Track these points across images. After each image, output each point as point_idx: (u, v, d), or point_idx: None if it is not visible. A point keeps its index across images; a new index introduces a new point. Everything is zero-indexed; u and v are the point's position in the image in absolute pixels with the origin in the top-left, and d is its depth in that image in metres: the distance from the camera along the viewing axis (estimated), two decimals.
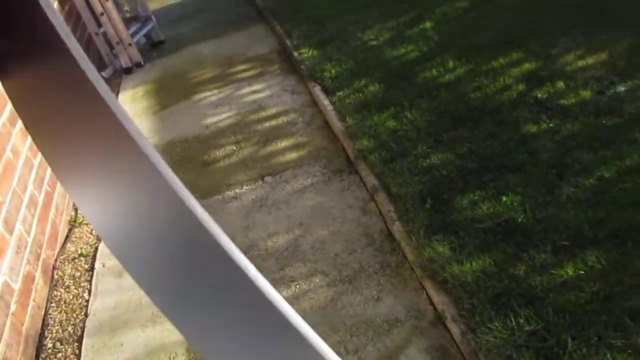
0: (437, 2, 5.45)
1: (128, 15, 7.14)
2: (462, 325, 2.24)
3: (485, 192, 2.84)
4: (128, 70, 6.37)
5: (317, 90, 4.41)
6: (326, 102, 4.19)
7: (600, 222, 2.50)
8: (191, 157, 4.22)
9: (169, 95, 5.45)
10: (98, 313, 2.98)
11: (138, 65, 6.43)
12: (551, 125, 3.23)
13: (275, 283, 2.75)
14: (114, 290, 3.11)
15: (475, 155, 3.11)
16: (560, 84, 3.59)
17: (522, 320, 2.15)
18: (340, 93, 4.20)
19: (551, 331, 2.10)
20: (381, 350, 2.32)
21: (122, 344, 2.74)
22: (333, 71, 4.57)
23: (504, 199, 2.76)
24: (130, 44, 6.30)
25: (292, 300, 2.67)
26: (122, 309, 2.96)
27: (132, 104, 5.49)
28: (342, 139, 3.73)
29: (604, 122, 3.15)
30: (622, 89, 3.43)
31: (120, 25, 6.18)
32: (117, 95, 5.91)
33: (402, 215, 2.85)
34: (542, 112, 3.36)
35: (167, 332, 2.71)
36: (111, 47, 6.45)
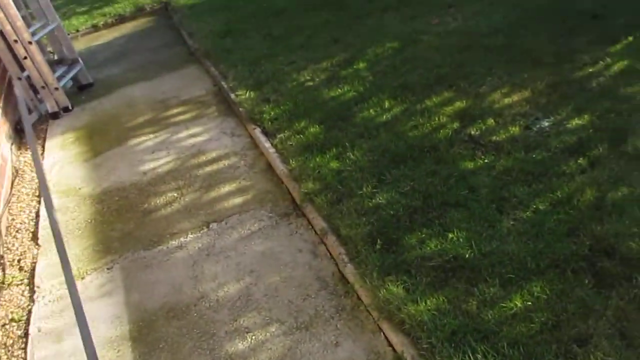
0: (367, 44, 5.65)
1: (54, 57, 6.92)
2: None
3: (432, 230, 2.93)
4: (55, 115, 6.14)
5: (257, 132, 4.43)
6: (267, 144, 4.21)
7: (541, 253, 2.64)
8: (130, 205, 4.09)
9: (101, 140, 5.28)
10: None
11: (66, 109, 6.21)
12: (486, 161, 3.40)
13: (230, 335, 2.70)
14: (53, 356, 2.93)
15: (419, 193, 3.21)
16: (491, 121, 3.80)
17: (479, 356, 2.22)
18: (281, 135, 4.23)
19: None
20: None
21: None
22: (272, 113, 4.61)
23: (450, 235, 2.86)
24: (56, 88, 6.09)
25: (249, 353, 2.62)
26: None
27: (62, 151, 5.28)
28: (287, 182, 3.74)
29: (533, 156, 3.35)
30: (547, 124, 3.68)
31: (46, 68, 5.96)
32: (44, 142, 5.67)
33: (353, 257, 2.88)
34: (477, 149, 3.53)
35: None
36: (35, 92, 6.20)
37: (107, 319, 3.07)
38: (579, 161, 3.23)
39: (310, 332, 2.65)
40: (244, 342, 2.68)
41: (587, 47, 4.52)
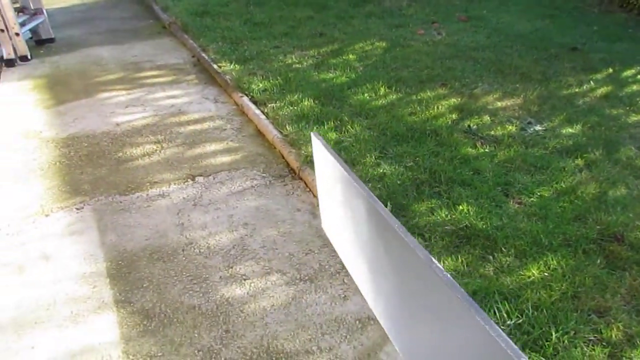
0: (354, 40, 5.66)
1: (14, 5, 6.41)
2: None
3: (441, 201, 2.88)
4: (10, 63, 5.65)
5: (245, 100, 4.25)
6: (258, 111, 4.05)
7: (552, 232, 2.64)
8: (102, 152, 3.77)
9: (65, 91, 4.90)
10: None
11: (23, 59, 5.75)
12: (487, 150, 3.42)
13: (225, 281, 2.49)
14: (15, 287, 2.58)
15: (424, 169, 3.16)
16: (487, 118, 3.85)
17: (504, 315, 2.15)
18: (273, 104, 4.09)
19: (534, 325, 2.12)
20: (357, 348, 2.16)
21: (33, 347, 2.25)
22: (260, 85, 4.46)
23: (460, 208, 2.81)
24: (17, 34, 5.63)
25: (248, 299, 2.42)
26: (28, 307, 2.45)
27: (19, 96, 4.84)
28: (280, 147, 3.59)
29: (532, 151, 3.41)
30: (540, 128, 3.77)
31: (10, 12, 5.52)
32: None
33: None
34: (476, 139, 3.55)
35: (94, 333, 2.28)
36: None
37: (79, 255, 2.75)
38: (576, 161, 3.31)
39: (316, 285, 2.48)
40: (242, 288, 2.47)
41: (570, 72, 4.73)
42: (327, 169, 1.41)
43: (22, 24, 5.91)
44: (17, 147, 3.93)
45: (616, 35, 5.89)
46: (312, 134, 1.44)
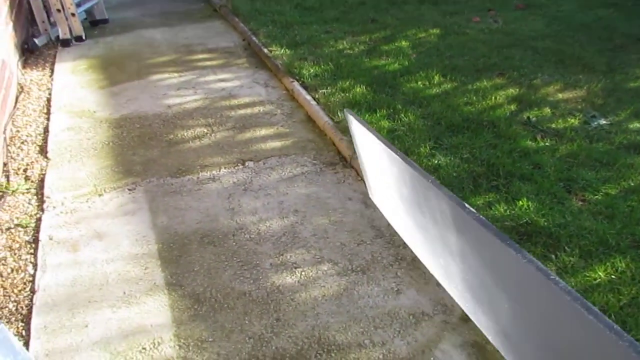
0: (407, 27, 5.52)
1: None
2: None
3: (499, 196, 2.77)
4: (65, 43, 5.75)
5: (296, 85, 4.20)
6: (308, 97, 3.99)
7: (620, 233, 2.50)
8: (153, 134, 3.79)
9: (119, 72, 4.95)
10: (50, 289, 2.47)
11: (78, 39, 5.84)
12: (548, 144, 3.26)
13: (276, 268, 2.46)
14: (69, 265, 2.61)
15: (481, 161, 3.04)
16: (547, 110, 3.69)
17: None
18: (324, 90, 4.02)
19: None
20: (411, 344, 2.09)
21: (86, 325, 2.27)
22: (312, 70, 4.39)
23: (520, 203, 2.69)
24: (73, 14, 5.72)
25: (299, 288, 2.38)
26: (82, 286, 2.48)
27: (74, 76, 4.92)
28: (331, 133, 3.52)
29: (597, 146, 3.24)
30: (605, 122, 3.58)
31: None
32: (52, 65, 5.29)
33: None
34: (536, 132, 3.40)
35: (146, 315, 2.29)
36: (48, 15, 5.82)
37: (131, 236, 2.77)
38: None
39: (368, 276, 2.42)
40: (293, 277, 2.43)
41: (638, 64, 4.48)
42: (368, 143, 1.37)
43: (78, 5, 6.00)
44: (71, 125, 3.99)
45: None
46: (345, 110, 1.39)
